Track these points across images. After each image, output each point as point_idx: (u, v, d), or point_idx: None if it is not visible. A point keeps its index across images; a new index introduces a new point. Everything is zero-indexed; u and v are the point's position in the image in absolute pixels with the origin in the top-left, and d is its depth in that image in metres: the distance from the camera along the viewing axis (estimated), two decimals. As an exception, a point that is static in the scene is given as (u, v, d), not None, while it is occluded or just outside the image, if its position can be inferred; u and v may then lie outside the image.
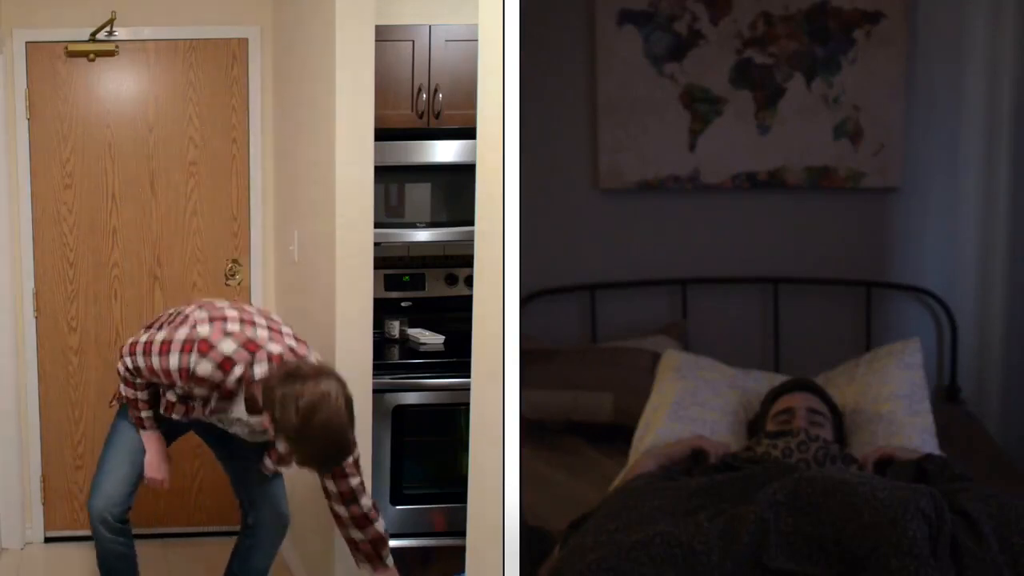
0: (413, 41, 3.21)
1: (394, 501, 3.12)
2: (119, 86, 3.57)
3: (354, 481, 2.38)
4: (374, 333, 2.90)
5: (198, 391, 2.35)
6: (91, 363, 3.65)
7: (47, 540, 3.70)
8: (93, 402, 3.64)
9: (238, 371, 2.28)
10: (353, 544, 2.46)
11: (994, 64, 3.04)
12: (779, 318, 3.16)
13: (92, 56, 3.52)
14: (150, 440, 2.57)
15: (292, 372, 2.17)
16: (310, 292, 3.10)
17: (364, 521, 2.42)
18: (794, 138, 3.09)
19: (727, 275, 3.17)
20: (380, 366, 3.00)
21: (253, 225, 3.63)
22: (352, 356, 2.84)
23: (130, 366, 2.44)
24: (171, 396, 2.46)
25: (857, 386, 2.70)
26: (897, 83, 3.05)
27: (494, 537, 1.82)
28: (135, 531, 2.65)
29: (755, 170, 3.12)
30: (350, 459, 2.32)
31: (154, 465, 2.56)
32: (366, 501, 2.42)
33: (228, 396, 2.34)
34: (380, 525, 2.44)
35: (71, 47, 3.50)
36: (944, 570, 1.64)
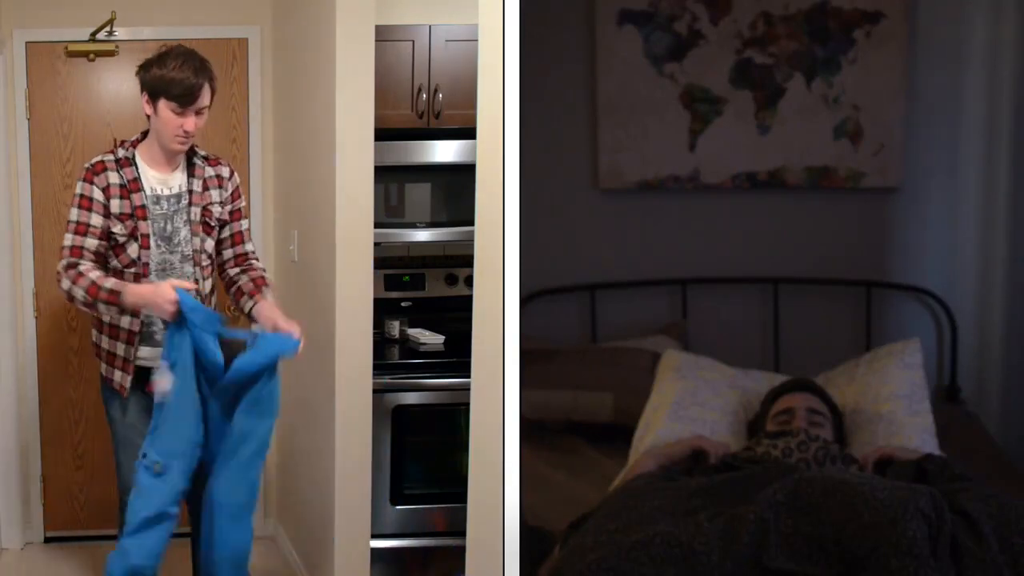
0: (413, 41, 3.21)
1: (394, 501, 3.12)
2: (119, 86, 3.57)
3: (243, 225, 2.75)
4: (374, 333, 2.90)
5: (128, 204, 2.58)
6: (91, 363, 3.63)
7: (47, 540, 3.70)
8: (93, 402, 3.64)
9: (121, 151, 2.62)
10: (236, 286, 2.70)
11: (994, 64, 3.04)
12: (779, 318, 3.16)
13: (92, 56, 3.52)
14: (133, 287, 2.51)
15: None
16: (310, 292, 3.10)
17: (246, 262, 2.74)
18: (794, 138, 3.09)
19: (727, 275, 3.17)
20: (380, 366, 3.00)
21: (253, 225, 3.63)
22: (352, 356, 2.84)
23: (64, 262, 2.55)
24: (121, 257, 2.59)
25: (857, 386, 2.71)
26: (897, 83, 3.05)
27: (494, 537, 1.82)
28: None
29: (755, 170, 3.12)
30: (240, 204, 2.73)
31: (157, 295, 2.46)
32: (250, 247, 2.76)
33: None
34: (260, 266, 2.75)
35: (71, 47, 3.50)
36: (944, 570, 1.64)
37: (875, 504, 1.70)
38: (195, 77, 2.52)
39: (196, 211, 2.64)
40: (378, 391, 2.99)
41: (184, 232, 2.63)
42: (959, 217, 3.12)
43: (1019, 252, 3.06)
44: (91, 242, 2.56)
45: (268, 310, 2.56)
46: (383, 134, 3.03)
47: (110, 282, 2.51)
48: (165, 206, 2.62)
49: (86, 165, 2.62)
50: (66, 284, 2.53)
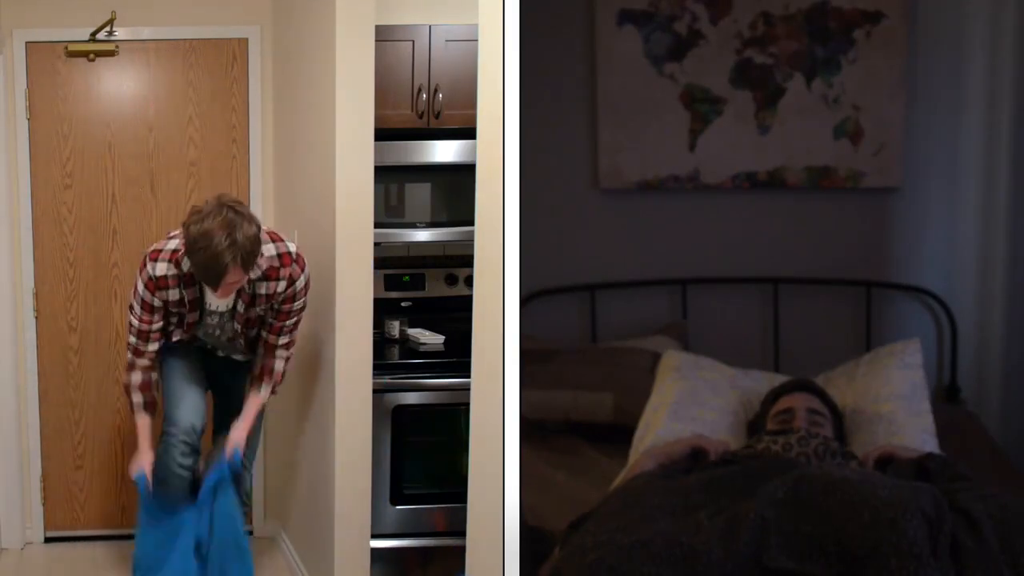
0: (413, 41, 3.21)
1: (394, 501, 3.12)
2: (119, 86, 3.57)
3: (288, 322, 2.84)
4: (374, 333, 2.90)
5: (171, 296, 2.75)
6: (91, 363, 3.64)
7: (47, 540, 3.70)
8: (93, 402, 3.65)
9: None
10: (256, 367, 2.93)
11: (994, 64, 3.04)
12: (779, 318, 3.16)
13: (92, 56, 3.52)
14: (142, 429, 2.92)
15: (194, 210, 2.58)
16: (310, 292, 3.10)
17: (269, 350, 2.90)
18: (794, 138, 3.09)
19: (727, 275, 3.17)
20: (380, 366, 3.00)
21: (253, 225, 3.63)
22: (352, 356, 2.84)
23: (135, 342, 2.86)
24: (171, 319, 2.84)
25: (857, 386, 2.70)
26: (897, 83, 3.05)
27: (494, 537, 1.82)
28: (131, 531, 2.70)
29: (755, 170, 3.12)
30: (295, 305, 2.81)
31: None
32: (284, 339, 2.88)
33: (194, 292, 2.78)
34: (278, 364, 2.91)
35: (71, 47, 3.50)
36: (944, 570, 1.64)
37: (875, 503, 1.70)
38: (217, 265, 2.52)
39: (238, 326, 2.85)
40: (378, 391, 2.99)
41: (229, 328, 2.88)
42: (959, 217, 3.11)
43: (1019, 252, 3.06)
44: (156, 330, 2.85)
45: (234, 431, 2.88)
46: (383, 134, 3.03)
47: (139, 399, 2.90)
48: (216, 319, 2.85)
49: (151, 275, 2.74)
50: (128, 358, 2.92)
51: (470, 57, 3.11)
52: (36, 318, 3.61)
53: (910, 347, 2.76)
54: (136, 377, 2.87)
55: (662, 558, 1.69)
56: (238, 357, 3.01)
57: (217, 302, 2.78)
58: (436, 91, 3.22)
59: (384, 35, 3.05)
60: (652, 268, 3.20)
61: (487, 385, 1.89)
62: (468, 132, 3.05)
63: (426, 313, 3.52)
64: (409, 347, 3.32)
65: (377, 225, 2.93)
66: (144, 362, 2.87)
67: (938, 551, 1.65)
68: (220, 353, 3.01)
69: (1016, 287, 3.07)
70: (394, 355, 3.24)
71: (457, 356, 3.15)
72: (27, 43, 3.50)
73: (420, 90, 3.22)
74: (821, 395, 2.54)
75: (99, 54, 3.52)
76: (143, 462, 2.87)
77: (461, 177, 3.23)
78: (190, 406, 2.90)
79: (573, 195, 3.22)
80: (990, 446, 2.76)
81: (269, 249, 2.70)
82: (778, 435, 2.31)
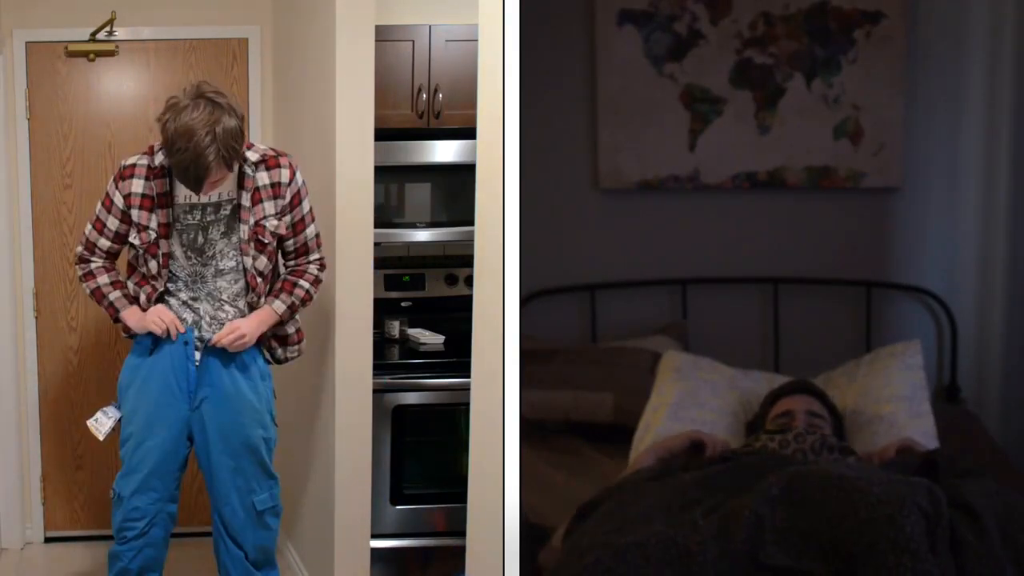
0: (413, 41, 3.21)
1: (394, 501, 3.12)
2: (119, 86, 3.57)
3: (308, 235, 2.61)
4: (374, 333, 2.90)
5: (135, 187, 2.47)
6: (91, 363, 3.64)
7: (47, 540, 3.70)
8: (93, 402, 3.64)
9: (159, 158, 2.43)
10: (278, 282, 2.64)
11: (994, 64, 3.04)
12: (779, 318, 3.16)
13: (92, 56, 3.52)
14: (132, 313, 2.60)
15: (170, 104, 2.33)
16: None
17: (297, 273, 2.63)
18: (794, 138, 3.09)
19: (727, 275, 3.17)
20: (380, 366, 3.00)
21: (253, 225, 3.63)
22: (352, 356, 2.84)
23: (78, 252, 2.63)
24: (151, 264, 2.53)
25: (858, 387, 2.70)
26: (897, 83, 3.05)
27: (494, 537, 1.82)
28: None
29: (755, 170, 3.12)
30: (304, 207, 2.57)
31: (155, 320, 2.55)
32: (314, 256, 2.65)
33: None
34: (302, 283, 2.62)
35: (71, 47, 3.50)
36: (943, 565, 1.63)
37: (871, 500, 1.69)
38: (197, 167, 2.30)
39: (245, 229, 2.50)
40: (378, 391, 2.99)
41: (220, 246, 2.52)
42: (959, 217, 3.11)
43: (1019, 252, 3.06)
44: (104, 243, 2.60)
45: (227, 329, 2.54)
46: (383, 134, 3.03)
47: (114, 295, 2.61)
48: (199, 216, 2.51)
49: (121, 163, 2.53)
50: (78, 274, 2.66)
51: (470, 57, 3.11)
52: (36, 318, 3.61)
53: (911, 348, 2.76)
54: (103, 279, 2.60)
55: (657, 559, 1.69)
56: (206, 311, 2.56)
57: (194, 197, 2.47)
58: (436, 91, 3.22)
59: (384, 35, 3.05)
60: (652, 268, 3.20)
61: (487, 385, 1.89)
62: (468, 132, 3.04)
63: (426, 313, 3.52)
64: (409, 347, 3.32)
65: (377, 225, 2.93)
66: (96, 264, 2.60)
67: (937, 546, 1.65)
68: (206, 326, 2.57)
69: (1016, 287, 3.07)
70: (394, 355, 3.24)
71: (457, 356, 3.15)
72: (27, 43, 3.50)
73: (420, 90, 3.22)
74: (821, 397, 2.54)
75: (99, 54, 3.52)
76: (162, 319, 2.52)
77: (461, 177, 3.23)
78: (149, 473, 2.56)
79: (573, 195, 3.22)
80: (990, 446, 2.76)
81: (259, 144, 2.55)
82: (775, 433, 2.31)
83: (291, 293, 2.60)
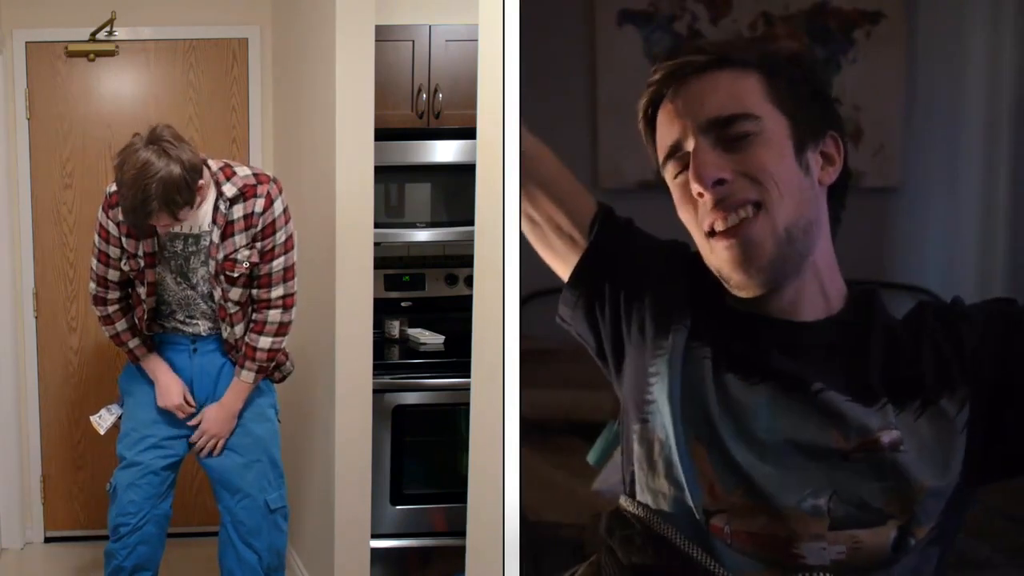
0: (413, 41, 3.21)
1: (394, 501, 3.12)
2: (119, 86, 3.57)
3: (275, 262, 2.48)
4: (374, 333, 2.90)
5: (136, 245, 2.46)
6: (91, 363, 3.64)
7: (47, 540, 3.70)
8: (93, 402, 3.63)
9: None
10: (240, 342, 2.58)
11: (994, 64, 3.04)
12: (779, 318, 3.16)
13: (92, 56, 3.52)
14: (153, 365, 2.61)
15: (125, 145, 2.33)
16: (310, 292, 3.10)
17: (256, 328, 2.54)
18: (794, 138, 3.09)
19: (727, 275, 3.17)
20: (380, 366, 3.00)
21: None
22: (352, 356, 2.84)
23: (92, 288, 2.60)
24: (140, 289, 2.53)
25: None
26: (897, 83, 3.05)
27: (494, 537, 1.82)
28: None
29: (755, 170, 3.12)
30: (278, 237, 2.47)
31: (165, 392, 2.59)
32: (275, 292, 2.51)
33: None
34: (263, 341, 2.53)
35: (71, 47, 3.50)
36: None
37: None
38: (137, 215, 2.30)
39: (212, 264, 2.47)
40: (378, 391, 2.99)
41: (201, 273, 2.52)
42: (959, 217, 3.11)
43: (1019, 252, 3.06)
44: (113, 274, 2.57)
45: (203, 426, 2.58)
46: (383, 134, 3.03)
47: (133, 343, 2.63)
48: (181, 245, 2.50)
49: (106, 191, 2.52)
50: (96, 315, 2.66)
51: (470, 57, 3.11)
52: (36, 318, 3.61)
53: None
54: (121, 325, 2.61)
55: None
56: (204, 327, 2.59)
57: (191, 219, 2.42)
58: (436, 91, 3.22)
59: (384, 35, 3.05)
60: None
61: (487, 385, 1.89)
62: (468, 132, 3.05)
63: (426, 313, 3.52)
64: (409, 347, 3.32)
65: (377, 225, 2.93)
66: (113, 308, 2.59)
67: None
68: (191, 329, 2.60)
69: (1016, 287, 3.07)
70: (394, 355, 3.24)
71: (457, 356, 3.15)
72: (27, 43, 3.50)
73: (420, 90, 3.22)
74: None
75: (99, 54, 3.52)
76: (169, 394, 2.57)
77: (461, 177, 3.23)
78: (145, 469, 2.58)
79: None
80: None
81: (243, 171, 2.48)
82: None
83: (254, 358, 2.55)
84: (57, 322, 3.63)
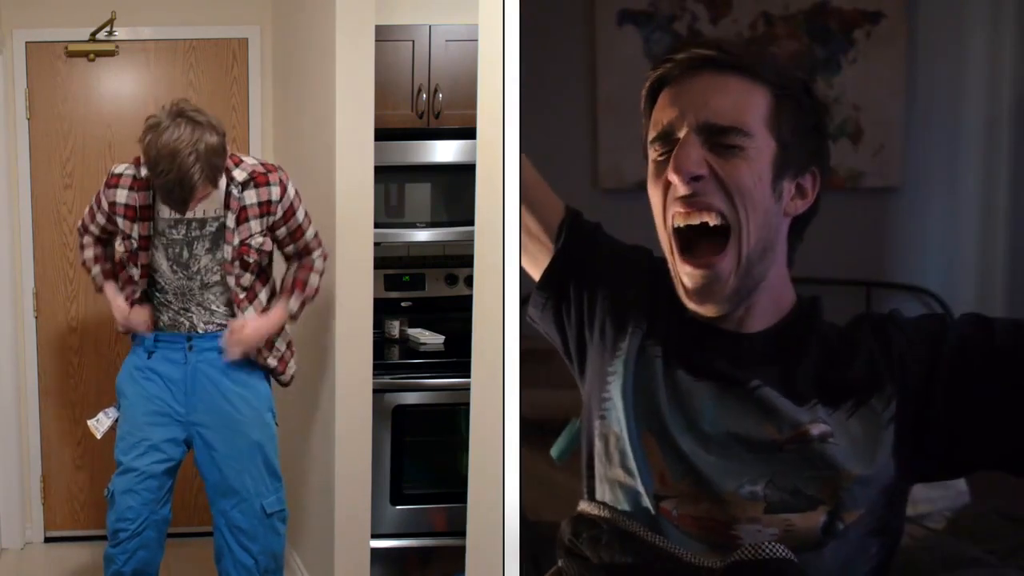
0: (413, 41, 3.21)
1: (394, 501, 3.12)
2: (119, 86, 3.57)
3: (308, 234, 2.62)
4: (374, 333, 2.90)
5: (119, 197, 2.49)
6: (91, 363, 3.65)
7: (47, 540, 3.70)
8: (93, 402, 3.64)
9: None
10: (287, 279, 2.66)
11: (994, 64, 3.04)
12: (779, 318, 3.16)
13: (92, 56, 3.52)
14: (110, 293, 2.67)
15: (149, 125, 2.30)
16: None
17: (305, 268, 2.65)
18: (794, 138, 3.09)
19: (727, 275, 3.17)
20: (380, 366, 3.00)
21: (253, 225, 3.63)
22: (352, 356, 2.84)
23: (80, 224, 2.73)
24: (132, 270, 2.56)
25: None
26: (897, 83, 3.05)
27: (494, 537, 1.82)
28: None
29: (755, 170, 3.12)
30: (299, 216, 2.58)
31: (120, 313, 2.64)
32: (317, 253, 2.66)
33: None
34: (313, 278, 2.64)
35: (71, 47, 3.50)
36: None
37: None
38: (183, 188, 2.28)
39: (229, 249, 2.47)
40: (378, 391, 2.99)
41: (205, 261, 2.51)
42: (959, 217, 3.11)
43: (1019, 252, 3.06)
44: (94, 229, 2.69)
45: (234, 330, 2.55)
46: (383, 134, 3.03)
47: (95, 270, 2.71)
48: (183, 231, 2.50)
49: (111, 170, 2.56)
50: (78, 240, 2.78)
51: (470, 57, 3.11)
52: (36, 318, 3.61)
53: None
54: (88, 253, 2.70)
55: None
56: (200, 320, 2.56)
57: (198, 205, 2.42)
58: (436, 91, 3.22)
59: (384, 35, 3.05)
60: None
61: (487, 385, 1.89)
62: (468, 132, 3.05)
63: (426, 313, 3.52)
64: (409, 347, 3.32)
65: (377, 225, 2.93)
66: (89, 239, 2.69)
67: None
68: (194, 320, 2.58)
69: (1016, 287, 3.07)
70: (394, 355, 3.24)
71: (457, 356, 3.15)
72: (27, 43, 3.50)
73: (420, 90, 3.22)
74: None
75: (99, 54, 3.52)
76: (128, 321, 2.60)
77: (461, 177, 3.23)
78: (142, 474, 2.55)
79: (573, 195, 3.22)
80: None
81: (249, 159, 2.51)
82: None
83: (303, 291, 2.62)
84: (57, 322, 3.63)
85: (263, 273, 2.62)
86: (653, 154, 1.34)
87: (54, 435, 3.67)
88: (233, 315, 2.58)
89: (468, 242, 3.09)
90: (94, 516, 3.68)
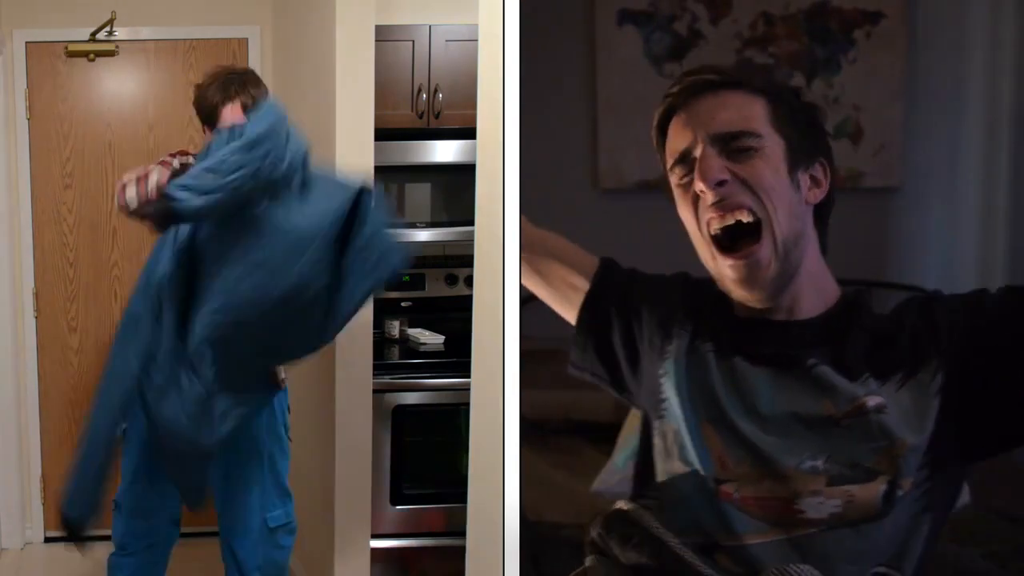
0: (413, 41, 3.21)
1: (394, 501, 3.12)
2: (119, 86, 3.57)
3: None
4: (374, 333, 2.90)
5: None
6: (91, 363, 3.65)
7: (47, 540, 3.70)
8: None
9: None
10: None
11: (994, 64, 3.04)
12: (779, 318, 3.16)
13: (92, 56, 3.52)
14: None
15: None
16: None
17: None
18: (794, 138, 3.09)
19: (727, 275, 3.17)
20: (380, 366, 3.00)
21: (253, 225, 3.63)
22: (352, 356, 2.84)
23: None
24: None
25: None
26: (897, 83, 3.05)
27: (494, 537, 1.82)
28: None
29: (755, 170, 3.12)
30: None
31: None
32: None
33: None
34: None
35: (71, 47, 3.50)
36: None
37: None
38: (219, 96, 2.35)
39: None
40: (378, 391, 2.99)
41: None
42: (959, 217, 3.11)
43: (1019, 253, 3.06)
44: None
45: None
46: (383, 134, 3.03)
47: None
48: None
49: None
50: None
51: (470, 57, 3.11)
52: (36, 318, 3.61)
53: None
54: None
55: None
56: None
57: None
58: (436, 91, 3.22)
59: (384, 35, 3.05)
60: (652, 268, 3.19)
61: (487, 385, 1.89)
62: (468, 132, 3.04)
63: (426, 313, 3.52)
64: (409, 347, 3.32)
65: (377, 225, 2.93)
66: None
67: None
68: None
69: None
70: (394, 355, 3.24)
71: (457, 356, 3.15)
72: (27, 43, 3.50)
73: (420, 90, 3.22)
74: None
75: (99, 54, 3.52)
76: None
77: (461, 177, 3.23)
78: (151, 490, 2.53)
79: (573, 195, 3.22)
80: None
81: None
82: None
83: None
84: (57, 322, 3.63)
85: None
86: (675, 179, 1.48)
87: (54, 435, 3.67)
88: None
89: (468, 242, 3.09)
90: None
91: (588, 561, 1.45)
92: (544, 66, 3.16)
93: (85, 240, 3.60)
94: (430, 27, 3.21)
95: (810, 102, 1.58)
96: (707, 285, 1.43)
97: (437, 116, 3.23)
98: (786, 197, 1.36)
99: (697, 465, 1.33)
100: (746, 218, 1.33)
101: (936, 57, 3.07)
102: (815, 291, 1.42)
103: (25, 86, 3.51)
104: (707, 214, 1.37)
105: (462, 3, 3.28)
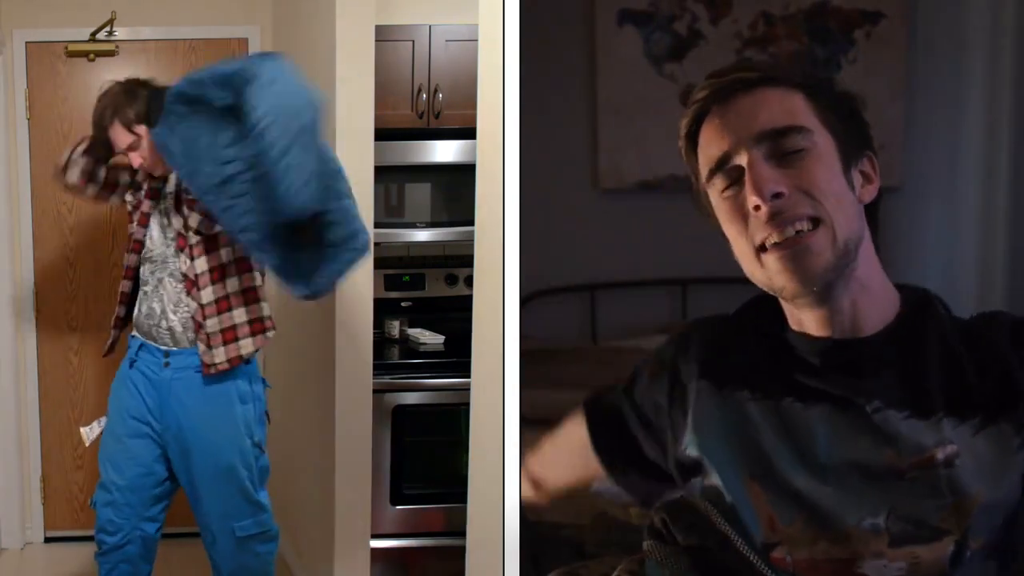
0: (413, 41, 3.21)
1: (394, 501, 3.12)
2: (119, 86, 3.57)
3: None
4: (374, 333, 2.90)
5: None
6: (91, 363, 3.64)
7: (47, 540, 3.70)
8: (93, 402, 3.65)
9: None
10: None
11: (994, 64, 3.04)
12: (779, 318, 3.16)
13: (92, 56, 3.52)
14: None
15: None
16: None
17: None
18: (794, 138, 3.09)
19: (728, 275, 3.17)
20: (380, 366, 3.00)
21: (253, 225, 3.63)
22: (352, 356, 2.84)
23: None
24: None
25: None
26: (897, 83, 3.05)
27: (494, 537, 1.82)
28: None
29: (755, 170, 3.12)
30: None
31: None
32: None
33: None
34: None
35: (71, 47, 3.50)
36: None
37: None
38: (101, 124, 2.50)
39: (178, 222, 2.45)
40: (378, 391, 2.99)
41: (173, 229, 2.51)
42: (959, 217, 3.11)
43: (1019, 252, 3.06)
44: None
45: None
46: (383, 134, 3.03)
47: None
48: (157, 232, 2.58)
49: None
50: None
51: (470, 57, 3.11)
52: (36, 318, 3.61)
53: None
54: None
55: None
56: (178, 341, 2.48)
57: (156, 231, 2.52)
58: (436, 91, 3.22)
59: (384, 35, 3.05)
60: (652, 268, 3.20)
61: (487, 385, 1.89)
62: (468, 132, 3.04)
63: (426, 313, 3.52)
64: (409, 347, 3.32)
65: (377, 225, 2.93)
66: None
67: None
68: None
69: (1016, 287, 3.07)
70: (394, 355, 3.24)
71: (457, 356, 3.15)
72: (27, 43, 3.50)
73: (420, 90, 3.22)
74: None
75: (99, 54, 3.52)
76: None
77: (461, 177, 3.23)
78: (121, 487, 2.52)
79: (573, 195, 3.22)
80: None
81: None
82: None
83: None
84: (57, 322, 3.63)
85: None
86: (717, 192, 1.27)
87: (54, 435, 3.67)
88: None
89: (468, 242, 3.09)
90: (93, 516, 3.68)
91: (645, 546, 1.35)
92: (544, 66, 3.16)
93: (85, 240, 3.60)
94: (430, 27, 3.21)
95: (847, 91, 1.35)
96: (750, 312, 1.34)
97: (437, 116, 3.23)
98: (846, 199, 1.20)
99: (748, 527, 1.19)
100: (806, 228, 1.17)
101: (936, 57, 3.07)
102: (875, 298, 1.26)
103: (25, 86, 3.51)
104: (762, 231, 1.19)
105: (462, 3, 3.27)
